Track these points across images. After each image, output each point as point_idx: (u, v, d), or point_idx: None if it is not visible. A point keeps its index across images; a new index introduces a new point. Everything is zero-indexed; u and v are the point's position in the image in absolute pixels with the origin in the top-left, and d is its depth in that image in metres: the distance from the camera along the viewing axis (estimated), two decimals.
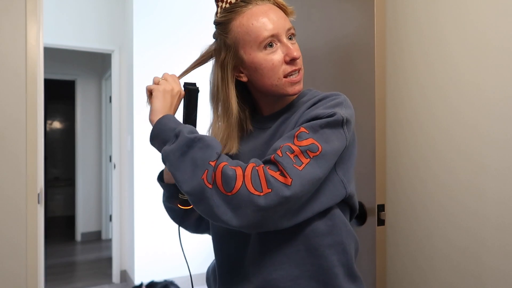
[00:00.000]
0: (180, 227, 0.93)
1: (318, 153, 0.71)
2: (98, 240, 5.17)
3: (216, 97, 0.87)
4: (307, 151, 0.71)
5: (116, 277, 3.73)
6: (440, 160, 1.22)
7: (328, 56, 1.52)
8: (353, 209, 0.88)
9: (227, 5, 0.82)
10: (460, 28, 1.16)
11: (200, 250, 3.29)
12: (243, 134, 0.91)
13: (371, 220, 1.31)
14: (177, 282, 3.14)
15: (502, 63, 1.05)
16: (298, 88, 0.83)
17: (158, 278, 3.19)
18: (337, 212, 0.82)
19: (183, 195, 0.86)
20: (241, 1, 0.81)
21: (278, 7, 0.83)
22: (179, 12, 3.53)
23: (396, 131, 1.37)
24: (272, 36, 0.79)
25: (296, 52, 0.80)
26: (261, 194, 0.67)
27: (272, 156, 0.71)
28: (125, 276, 3.71)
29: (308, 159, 0.70)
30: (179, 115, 0.86)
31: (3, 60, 1.84)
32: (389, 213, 1.38)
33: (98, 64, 5.19)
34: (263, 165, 0.71)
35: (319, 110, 0.77)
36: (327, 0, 1.52)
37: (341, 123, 0.76)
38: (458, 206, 1.17)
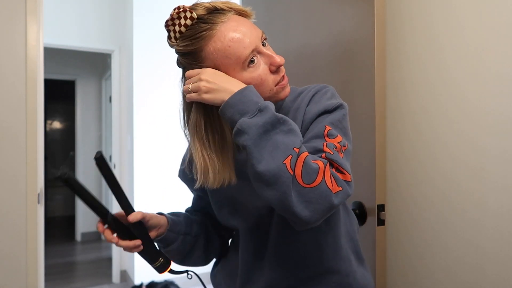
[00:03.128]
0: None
1: (345, 148, 0.74)
2: (98, 240, 5.16)
3: (200, 129, 0.78)
4: (342, 147, 0.73)
5: (116, 277, 3.73)
6: (439, 160, 1.22)
7: (328, 53, 1.52)
8: None
9: (182, 28, 0.76)
10: (458, 29, 1.16)
11: None
12: (235, 152, 0.86)
13: (371, 220, 1.31)
14: (177, 282, 3.14)
15: (502, 61, 1.05)
16: (288, 90, 0.82)
17: (158, 278, 3.19)
18: None
19: (157, 261, 0.81)
20: (201, 23, 0.74)
21: (239, 15, 0.78)
22: None
23: (396, 131, 1.37)
24: (252, 51, 0.75)
25: (279, 59, 0.77)
26: (333, 192, 0.66)
27: (323, 154, 0.69)
28: (125, 276, 3.71)
29: (343, 154, 0.73)
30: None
31: (3, 60, 1.84)
32: (389, 213, 1.38)
33: (98, 64, 5.19)
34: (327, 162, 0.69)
35: (323, 102, 0.78)
36: None
37: (347, 111, 0.80)
38: (457, 205, 1.17)
